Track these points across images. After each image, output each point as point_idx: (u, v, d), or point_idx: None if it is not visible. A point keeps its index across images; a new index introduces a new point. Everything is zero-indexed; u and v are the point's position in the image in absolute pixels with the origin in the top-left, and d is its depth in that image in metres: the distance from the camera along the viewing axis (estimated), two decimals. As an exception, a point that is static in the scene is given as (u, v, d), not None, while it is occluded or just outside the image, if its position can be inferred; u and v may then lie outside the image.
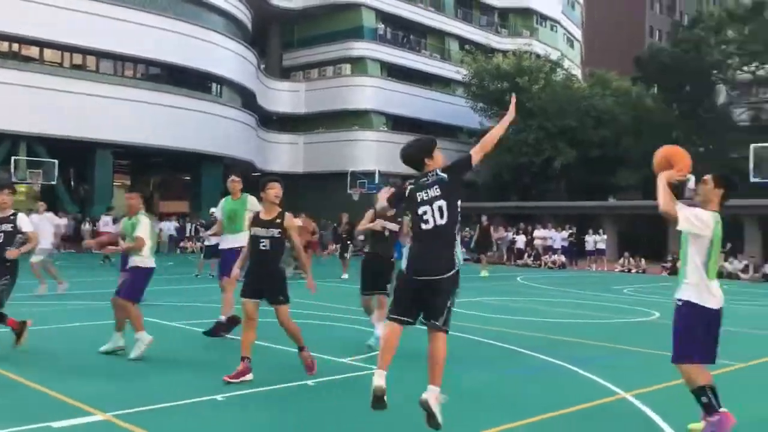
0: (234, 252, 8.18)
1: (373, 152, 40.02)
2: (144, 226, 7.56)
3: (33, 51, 29.53)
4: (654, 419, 5.47)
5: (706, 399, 4.84)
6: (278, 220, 6.44)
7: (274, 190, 6.59)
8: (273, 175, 38.80)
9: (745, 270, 24.05)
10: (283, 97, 43.08)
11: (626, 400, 6.07)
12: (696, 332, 4.85)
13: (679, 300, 4.97)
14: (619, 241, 32.36)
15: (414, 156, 5.21)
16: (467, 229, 31.53)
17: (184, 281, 16.78)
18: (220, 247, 9.10)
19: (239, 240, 8.23)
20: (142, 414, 5.22)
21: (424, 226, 4.80)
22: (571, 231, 29.42)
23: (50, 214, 14.79)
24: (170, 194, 42.58)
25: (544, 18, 51.00)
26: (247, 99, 37.68)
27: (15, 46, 28.95)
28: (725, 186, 5.01)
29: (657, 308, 13.66)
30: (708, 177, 5.08)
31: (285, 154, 42.12)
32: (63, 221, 24.87)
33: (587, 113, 37.50)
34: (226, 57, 34.77)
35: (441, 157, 5.15)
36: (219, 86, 35.70)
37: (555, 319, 11.85)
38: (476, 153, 5.11)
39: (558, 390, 6.53)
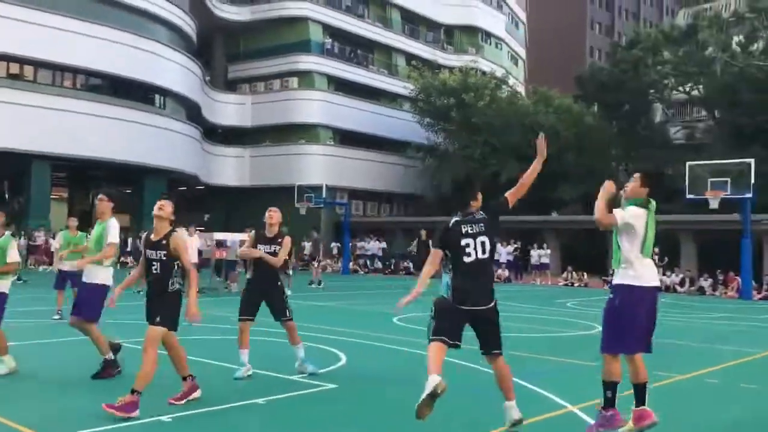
0: (98, 289, 7.24)
1: (320, 166, 39.94)
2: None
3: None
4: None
5: (611, 394, 5.31)
6: (164, 241, 6.02)
7: (160, 208, 6.08)
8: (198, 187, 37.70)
9: (681, 283, 24.81)
10: (229, 109, 42.64)
11: (573, 413, 6.18)
12: (628, 319, 5.14)
13: (612, 286, 5.34)
14: (562, 255, 33.04)
15: (466, 196, 5.52)
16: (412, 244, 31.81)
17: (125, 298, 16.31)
18: (82, 279, 7.59)
19: (103, 275, 7.30)
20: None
21: (466, 259, 5.21)
22: (516, 246, 29.88)
23: None
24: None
25: (489, 36, 51.95)
26: (191, 111, 37.16)
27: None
28: (650, 185, 5.36)
29: (599, 321, 13.96)
30: (636, 175, 5.44)
31: (231, 167, 41.64)
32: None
33: (531, 129, 38.24)
34: (170, 68, 34.25)
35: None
36: (163, 98, 35.11)
37: (502, 333, 11.95)
38: (511, 196, 5.71)
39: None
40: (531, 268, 29.20)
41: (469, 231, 5.26)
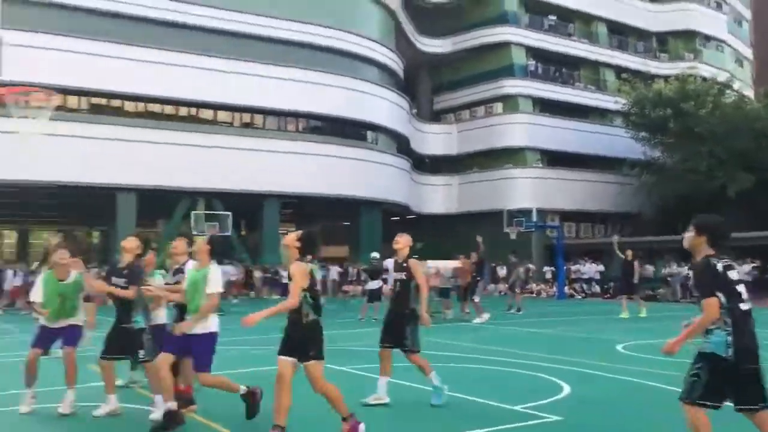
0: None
1: (529, 189, 39.41)
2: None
3: (207, 113, 32.17)
4: None
5: None
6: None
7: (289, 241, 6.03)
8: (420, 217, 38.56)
9: None
10: (436, 139, 43.72)
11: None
12: None
13: None
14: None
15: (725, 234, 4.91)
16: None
17: (348, 325, 17.22)
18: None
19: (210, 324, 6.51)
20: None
21: (743, 307, 4.59)
22: (754, 264, 27.11)
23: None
24: (331, 240, 44.23)
25: (708, 38, 48.27)
26: (401, 144, 38.61)
27: (192, 110, 31.70)
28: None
29: None
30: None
31: (439, 195, 42.52)
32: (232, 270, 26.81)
33: (763, 134, 34.73)
34: (381, 105, 35.94)
35: None
36: (374, 133, 36.89)
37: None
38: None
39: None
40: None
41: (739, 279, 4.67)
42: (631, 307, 19.76)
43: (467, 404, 7.52)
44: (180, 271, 7.12)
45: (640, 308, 19.88)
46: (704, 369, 4.59)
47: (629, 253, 20.42)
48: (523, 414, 6.96)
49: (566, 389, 8.33)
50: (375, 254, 19.27)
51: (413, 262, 7.57)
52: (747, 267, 26.98)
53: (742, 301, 4.59)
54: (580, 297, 31.51)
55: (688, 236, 4.92)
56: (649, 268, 29.88)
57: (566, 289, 31.69)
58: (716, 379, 4.52)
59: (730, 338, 4.51)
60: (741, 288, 4.63)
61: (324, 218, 42.33)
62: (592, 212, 41.82)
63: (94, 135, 27.82)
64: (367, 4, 36.16)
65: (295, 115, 33.83)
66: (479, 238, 19.98)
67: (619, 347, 12.63)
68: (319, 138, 33.85)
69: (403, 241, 7.70)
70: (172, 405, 6.27)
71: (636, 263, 20.34)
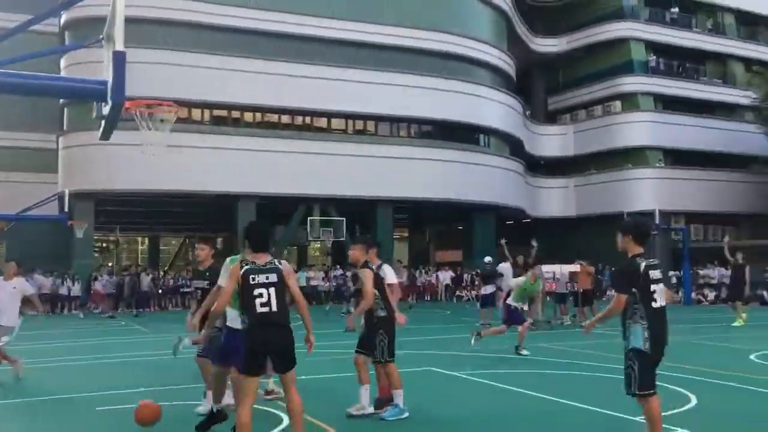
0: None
1: (650, 190, 37.72)
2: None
3: (321, 121, 32.98)
4: None
5: None
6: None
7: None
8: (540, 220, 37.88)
9: None
10: (551, 141, 42.68)
11: None
12: None
13: None
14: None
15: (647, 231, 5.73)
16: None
17: (463, 330, 17.08)
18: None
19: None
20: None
21: (655, 305, 5.34)
22: None
23: None
24: (445, 244, 44.15)
25: None
26: (514, 146, 37.99)
27: (308, 119, 32.60)
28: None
29: None
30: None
31: (555, 198, 41.46)
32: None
33: None
34: (493, 108, 35.53)
35: None
36: (486, 137, 36.50)
37: None
38: None
39: None
40: None
41: (657, 277, 5.47)
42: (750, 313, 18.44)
43: (585, 413, 7.27)
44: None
45: (737, 316, 18.42)
46: (634, 363, 5.35)
47: (739, 256, 19.15)
48: (642, 425, 6.63)
49: (694, 400, 7.89)
50: (488, 258, 19.05)
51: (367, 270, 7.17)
52: None
53: (654, 300, 5.34)
54: (707, 303, 29.78)
55: (618, 239, 5.61)
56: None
57: (693, 294, 30.04)
58: (646, 369, 5.34)
59: (646, 333, 5.30)
60: (656, 287, 5.38)
61: (437, 223, 42.33)
62: (720, 213, 39.46)
63: (216, 145, 29.22)
64: (478, 5, 35.87)
65: (407, 120, 34.04)
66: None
67: (752, 356, 11.82)
68: (431, 142, 33.89)
69: (356, 252, 7.29)
70: (217, 405, 6.58)
71: (747, 268, 19.02)
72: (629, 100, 40.27)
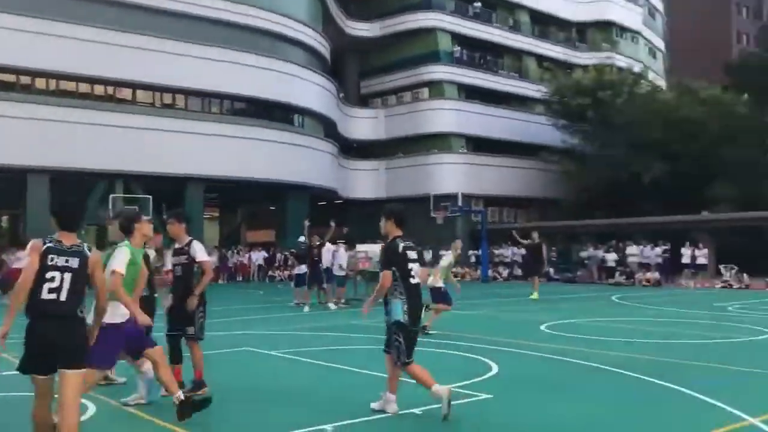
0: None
1: (454, 175, 39.87)
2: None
3: (125, 92, 30.96)
4: (790, 447, 5.09)
5: None
6: None
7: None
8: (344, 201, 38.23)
9: None
10: (363, 124, 43.62)
11: (755, 427, 5.69)
12: None
13: None
14: (717, 256, 30.92)
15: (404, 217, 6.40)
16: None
17: (274, 310, 17.04)
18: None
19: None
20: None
21: (412, 281, 6.00)
22: (665, 247, 28.33)
23: None
24: (257, 225, 43.62)
25: (624, 30, 49.87)
26: (328, 128, 38.33)
27: (110, 89, 30.43)
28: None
29: (765, 325, 12.90)
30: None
31: (367, 180, 42.50)
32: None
33: (676, 125, 36.22)
34: (308, 88, 35.52)
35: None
36: (301, 117, 36.46)
37: (662, 339, 11.34)
38: None
39: (677, 416, 6.20)
40: (682, 270, 27.45)
41: (414, 257, 6.18)
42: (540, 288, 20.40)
43: (398, 383, 7.54)
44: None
45: (533, 290, 20.32)
46: (399, 335, 5.91)
47: (535, 235, 21.08)
48: (454, 393, 7.02)
49: (495, 368, 8.48)
50: (302, 238, 19.09)
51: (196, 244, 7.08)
52: (659, 249, 28.16)
53: (412, 276, 5.99)
54: (502, 279, 32.21)
55: (381, 223, 6.23)
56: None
57: (489, 272, 32.32)
58: (409, 339, 5.93)
59: (405, 306, 5.87)
60: (413, 266, 6.03)
61: (250, 203, 41.65)
62: (515, 197, 42.75)
63: (2, 113, 26.40)
64: (293, -16, 35.59)
65: (220, 96, 33.02)
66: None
67: (543, 327, 12.96)
68: (243, 120, 33.18)
69: (174, 226, 7.12)
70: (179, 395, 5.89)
71: (544, 246, 21.02)
72: (436, 88, 42.18)
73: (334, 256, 18.25)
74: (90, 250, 4.67)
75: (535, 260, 21.48)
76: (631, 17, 50.37)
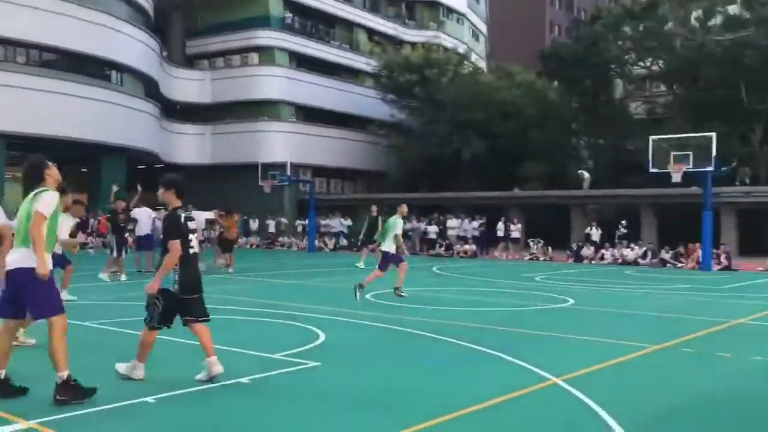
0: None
1: (284, 143, 39.51)
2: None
3: None
4: (587, 402, 5.60)
5: None
6: None
7: None
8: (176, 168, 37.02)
9: (644, 256, 25.27)
10: (188, 86, 41.79)
11: (557, 385, 6.20)
12: None
13: None
14: (526, 230, 33.34)
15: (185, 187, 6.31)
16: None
17: (88, 279, 15.97)
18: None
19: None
20: (68, 420, 4.89)
21: (191, 251, 6.06)
22: (481, 221, 30.02)
23: None
24: (68, 187, 40.46)
25: (450, 11, 51.73)
26: (149, 88, 36.31)
27: None
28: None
29: (569, 294, 14.13)
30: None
31: (191, 145, 40.91)
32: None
33: (495, 106, 38.41)
34: (128, 44, 33.35)
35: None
36: (119, 74, 34.20)
37: (477, 307, 12.04)
38: None
39: (490, 378, 6.61)
40: (498, 243, 29.28)
41: (192, 228, 6.16)
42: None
43: (225, 354, 7.38)
44: None
45: (362, 259, 21.07)
46: (160, 301, 5.95)
47: (374, 208, 21.58)
48: (282, 361, 7.00)
49: (322, 336, 8.55)
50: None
51: None
52: (475, 223, 29.79)
53: (191, 246, 6.06)
54: (328, 250, 32.55)
55: (160, 192, 6.14)
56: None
57: (316, 242, 32.51)
58: (169, 307, 5.96)
59: (177, 276, 5.93)
60: (192, 236, 6.10)
61: (60, 163, 38.46)
62: (342, 169, 43.23)
63: None
64: (115, -69, 33.07)
65: (26, 45, 30.08)
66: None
67: (369, 296, 13.26)
68: (53, 73, 30.52)
69: None
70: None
71: (380, 218, 21.50)
72: (266, 54, 41.34)
73: (154, 222, 17.42)
74: None
75: (369, 231, 21.90)
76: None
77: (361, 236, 22.99)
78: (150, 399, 5.46)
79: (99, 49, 31.56)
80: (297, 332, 8.92)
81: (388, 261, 12.70)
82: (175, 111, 41.41)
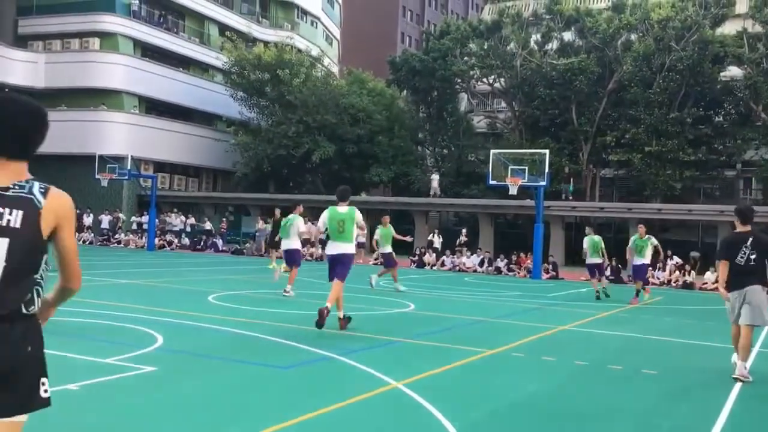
0: None
1: (124, 135, 37.51)
2: None
3: None
4: (426, 406, 5.79)
5: None
6: None
7: None
8: None
9: (481, 264, 26.56)
10: (18, 67, 38.53)
11: (399, 390, 6.36)
12: None
13: None
14: (371, 235, 33.94)
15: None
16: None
17: None
18: None
19: None
20: None
21: None
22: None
23: None
24: None
25: (304, 13, 51.67)
26: (-27, 66, 33.15)
27: None
28: None
29: (409, 299, 14.54)
30: None
31: (19, 131, 37.72)
32: None
33: (345, 110, 38.81)
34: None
35: None
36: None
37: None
38: None
39: (332, 382, 6.65)
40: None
41: None
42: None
43: (52, 359, 6.87)
44: None
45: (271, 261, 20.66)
46: None
47: (278, 211, 21.32)
48: (115, 366, 6.63)
49: (160, 340, 8.21)
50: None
51: None
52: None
53: None
54: (170, 249, 31.36)
55: None
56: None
57: (156, 240, 31.20)
58: None
59: None
60: None
61: None
62: (187, 165, 41.79)
63: None
64: None
65: None
66: None
67: (210, 298, 12.91)
68: None
69: None
70: None
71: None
72: (109, 40, 39.09)
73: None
74: (47, 190, 2.65)
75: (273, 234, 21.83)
76: (312, 2, 52.38)
77: (266, 239, 23.29)
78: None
79: None
80: (133, 335, 8.50)
81: (294, 257, 14.24)
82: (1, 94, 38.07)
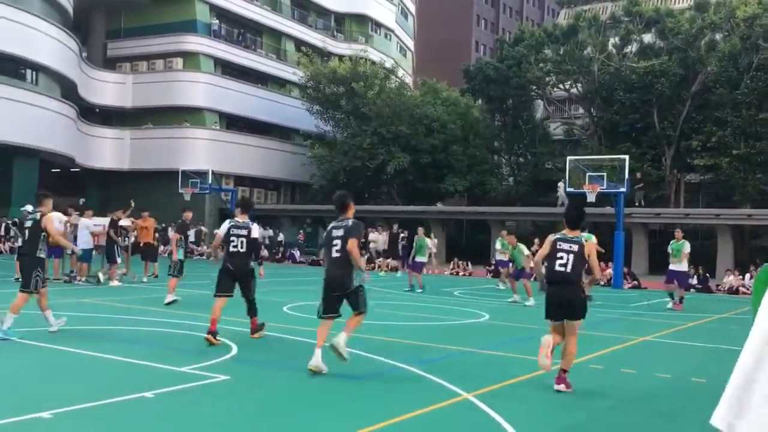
0: None
1: (206, 151, 38.78)
2: None
3: None
4: (496, 418, 5.67)
5: None
6: None
7: None
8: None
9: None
10: (108, 88, 40.48)
11: (469, 401, 6.25)
12: None
13: None
14: (447, 244, 33.79)
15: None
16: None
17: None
18: None
19: None
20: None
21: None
22: (403, 235, 30.20)
23: None
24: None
25: (378, 25, 52.15)
26: (66, 89, 34.97)
27: None
28: None
29: (485, 310, 14.35)
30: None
31: (109, 149, 39.60)
32: None
33: (419, 121, 38.84)
34: (43, 42, 32.05)
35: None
36: (35, 73, 32.82)
37: (394, 321, 12.04)
38: None
39: (402, 393, 6.60)
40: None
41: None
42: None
43: (129, 367, 7.11)
44: None
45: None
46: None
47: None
48: (190, 375, 6.80)
49: (234, 349, 8.36)
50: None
51: None
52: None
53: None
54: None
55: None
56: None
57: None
58: None
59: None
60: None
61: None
62: (266, 178, 42.75)
63: None
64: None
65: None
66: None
67: (285, 308, 13.10)
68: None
69: None
70: None
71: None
72: (191, 60, 40.56)
73: (66, 227, 16.74)
74: None
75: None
76: (385, 14, 52.83)
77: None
78: (45, 414, 5.19)
79: (12, 46, 30.21)
80: (203, 347, 8.69)
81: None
82: (93, 113, 40.04)
